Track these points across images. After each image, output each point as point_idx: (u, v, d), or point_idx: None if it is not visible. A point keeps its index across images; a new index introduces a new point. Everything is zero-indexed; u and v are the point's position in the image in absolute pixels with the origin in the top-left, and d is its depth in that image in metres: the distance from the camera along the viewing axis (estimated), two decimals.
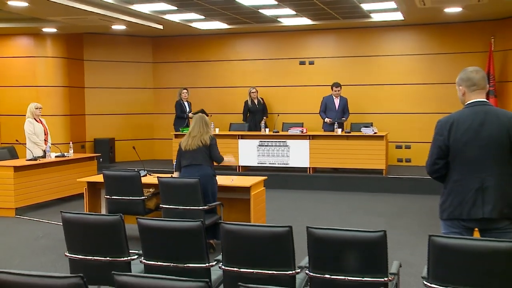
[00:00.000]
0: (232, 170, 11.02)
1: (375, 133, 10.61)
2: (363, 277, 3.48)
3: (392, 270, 3.73)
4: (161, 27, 11.72)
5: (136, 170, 6.80)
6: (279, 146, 11.17)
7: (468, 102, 3.84)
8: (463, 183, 3.75)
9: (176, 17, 11.24)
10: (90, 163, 10.31)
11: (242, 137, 11.45)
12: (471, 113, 3.78)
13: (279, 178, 10.77)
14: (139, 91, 13.89)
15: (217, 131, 11.26)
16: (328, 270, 3.56)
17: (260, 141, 11.28)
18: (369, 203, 9.54)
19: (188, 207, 5.97)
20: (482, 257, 3.22)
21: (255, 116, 12.06)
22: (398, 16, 11.01)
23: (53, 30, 11.94)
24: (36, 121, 9.71)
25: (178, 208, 6.02)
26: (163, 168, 10.05)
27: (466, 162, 3.76)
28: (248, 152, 11.32)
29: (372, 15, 11.13)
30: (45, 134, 9.82)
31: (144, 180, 6.78)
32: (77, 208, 8.14)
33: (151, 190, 6.73)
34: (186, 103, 12.20)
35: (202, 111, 9.24)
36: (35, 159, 9.19)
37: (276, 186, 10.06)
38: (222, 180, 6.62)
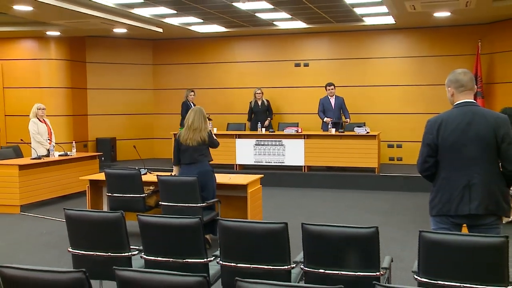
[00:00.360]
0: (229, 168, 11.02)
1: (367, 132, 10.61)
2: (356, 272, 3.48)
3: (384, 264, 3.73)
4: (160, 30, 11.71)
5: (136, 168, 6.78)
6: (275, 145, 11.17)
7: (457, 103, 3.85)
8: (451, 180, 3.76)
9: (176, 21, 11.23)
10: (92, 162, 10.30)
11: (239, 136, 11.44)
12: (459, 113, 3.79)
13: (275, 176, 10.77)
14: (139, 92, 13.87)
15: (215, 131, 11.23)
16: (322, 265, 3.56)
17: (257, 141, 11.28)
18: (362, 201, 9.55)
19: (186, 204, 5.96)
20: (469, 252, 3.23)
21: (257, 117, 11.94)
22: (389, 20, 11.03)
23: (57, 33, 11.91)
24: (40, 121, 9.69)
25: (177, 205, 6.01)
26: (163, 167, 10.04)
27: (454, 160, 3.77)
28: (245, 151, 11.31)
29: (364, 19, 11.14)
30: (49, 134, 9.80)
31: (145, 178, 6.77)
32: (80, 205, 8.14)
33: (151, 187, 6.72)
34: (192, 104, 12.07)
35: None
36: (39, 158, 9.18)
37: (272, 184, 10.07)
38: (220, 178, 6.62)
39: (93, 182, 7.22)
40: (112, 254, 4.01)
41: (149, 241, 4.00)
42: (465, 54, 11.64)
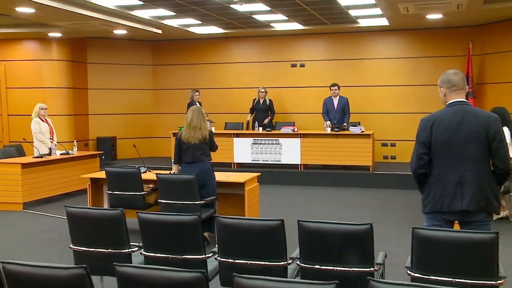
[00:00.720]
0: (227, 166, 11.01)
1: (362, 131, 10.61)
2: (351, 267, 3.48)
3: (378, 260, 3.73)
4: (160, 31, 11.69)
5: (136, 167, 6.78)
6: (271, 144, 11.17)
7: (449, 102, 3.86)
8: (444, 177, 3.77)
9: (174, 22, 11.21)
10: (93, 160, 10.28)
11: (237, 135, 11.44)
12: (452, 112, 3.80)
13: (272, 174, 10.77)
14: (139, 92, 13.85)
15: (213, 130, 11.22)
16: (318, 261, 3.56)
17: (254, 139, 11.28)
18: (357, 198, 9.56)
19: (185, 202, 5.96)
20: (461, 248, 3.24)
21: (257, 115, 11.81)
22: (383, 21, 11.03)
23: (58, 34, 11.89)
24: (42, 120, 9.67)
25: (176, 202, 6.00)
26: (162, 165, 10.02)
27: (446, 158, 3.77)
28: (243, 149, 11.31)
29: (359, 20, 11.14)
30: (50, 133, 9.78)
31: (144, 176, 6.76)
32: (81, 202, 8.14)
33: (150, 185, 6.71)
34: (197, 104, 11.91)
35: None
36: (41, 156, 9.16)
37: (269, 182, 10.07)
38: (218, 176, 6.61)
39: (94, 180, 7.21)
40: (112, 251, 4.00)
41: (148, 237, 3.99)
42: (457, 55, 11.66)
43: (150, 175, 6.92)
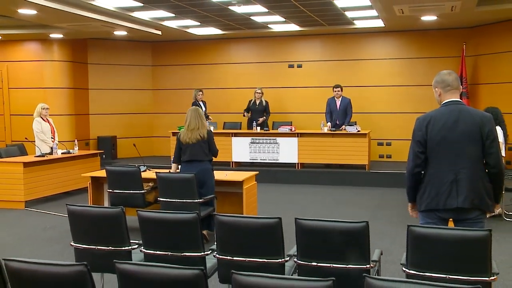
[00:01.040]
0: (226, 165, 11.01)
1: (358, 131, 10.62)
2: (347, 265, 3.48)
3: (374, 257, 3.73)
4: (159, 32, 11.68)
5: (136, 165, 6.78)
6: (269, 143, 11.17)
7: (444, 102, 3.86)
8: (439, 176, 3.77)
9: (174, 24, 11.20)
10: (93, 159, 10.26)
11: (235, 135, 11.43)
12: (447, 111, 3.80)
13: (270, 173, 10.76)
14: (139, 92, 13.84)
15: (212, 129, 11.21)
16: (315, 258, 3.56)
17: (252, 139, 11.27)
18: (353, 196, 9.56)
19: (184, 200, 5.95)
20: (455, 245, 3.24)
21: (253, 115, 11.73)
22: (379, 23, 11.04)
23: (60, 36, 11.88)
24: (44, 120, 9.66)
25: (175, 201, 6.00)
26: (162, 164, 10.02)
27: (441, 156, 3.77)
28: (241, 149, 11.30)
29: (355, 22, 11.15)
30: (52, 133, 9.77)
31: (144, 175, 6.76)
32: (82, 201, 8.12)
33: (150, 184, 6.71)
34: (201, 103, 11.74)
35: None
36: (43, 155, 9.15)
37: (267, 181, 10.05)
38: (217, 175, 6.60)
39: (94, 179, 7.20)
40: (112, 248, 4.00)
41: (148, 235, 3.99)
42: (451, 56, 11.67)
43: (150, 174, 6.91)
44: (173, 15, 10.16)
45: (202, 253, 3.86)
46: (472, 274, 3.19)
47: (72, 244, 4.14)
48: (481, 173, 3.76)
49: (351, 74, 12.43)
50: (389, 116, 12.20)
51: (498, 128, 6.85)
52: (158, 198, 6.17)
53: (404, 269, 3.41)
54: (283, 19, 10.71)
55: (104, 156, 11.69)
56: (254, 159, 11.29)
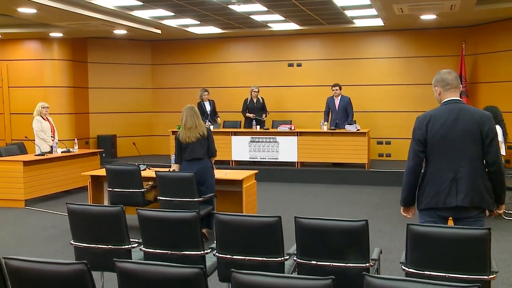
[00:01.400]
0: (225, 164, 11.00)
1: (358, 130, 10.61)
2: (346, 263, 3.48)
3: (374, 256, 3.74)
4: (159, 31, 11.67)
5: (136, 164, 6.78)
6: (269, 142, 11.16)
7: (444, 100, 3.86)
8: (439, 174, 3.76)
9: (173, 22, 11.20)
10: (93, 158, 10.26)
11: (235, 133, 11.42)
12: (447, 110, 3.80)
13: (269, 172, 10.76)
14: (139, 91, 13.84)
15: (211, 128, 11.21)
16: (314, 256, 3.56)
17: (252, 138, 11.27)
18: (353, 195, 9.56)
19: (184, 199, 5.95)
20: (454, 244, 3.24)
21: (254, 113, 11.63)
22: (378, 22, 11.03)
23: (59, 34, 11.87)
24: (44, 119, 9.66)
25: (175, 199, 6.00)
26: (162, 163, 10.01)
27: (441, 155, 3.77)
28: (241, 147, 11.30)
29: (354, 21, 11.14)
30: (52, 131, 9.77)
31: (144, 173, 6.76)
32: (82, 199, 8.12)
33: (150, 183, 6.71)
34: (207, 103, 11.62)
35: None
36: (42, 154, 9.15)
37: (266, 179, 10.06)
38: (216, 173, 6.59)
39: (94, 178, 7.20)
40: (112, 247, 4.00)
41: (148, 234, 3.99)
42: (450, 55, 11.67)
43: (149, 173, 6.91)
44: (173, 14, 10.15)
45: (202, 252, 3.86)
46: (472, 272, 3.19)
47: (72, 242, 4.14)
48: (481, 172, 3.75)
49: (350, 73, 12.43)
50: (388, 115, 12.20)
51: (498, 127, 6.84)
52: (158, 197, 6.17)
53: (403, 267, 3.41)
54: (283, 18, 10.71)
55: (104, 155, 11.68)
56: (254, 158, 11.29)
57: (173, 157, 6.61)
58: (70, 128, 12.52)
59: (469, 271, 3.20)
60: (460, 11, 9.45)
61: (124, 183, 6.49)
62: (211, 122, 11.42)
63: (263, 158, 11.23)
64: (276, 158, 11.16)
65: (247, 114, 11.67)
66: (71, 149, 9.73)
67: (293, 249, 3.77)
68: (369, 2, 9.06)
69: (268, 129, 11.34)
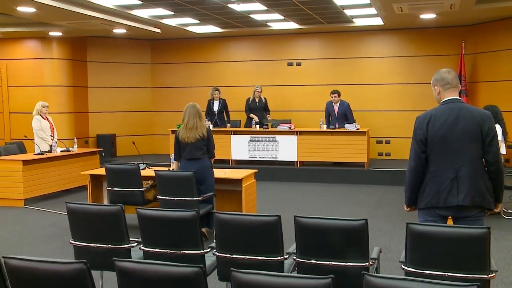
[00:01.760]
0: (225, 163, 11.01)
1: (357, 129, 10.61)
2: (346, 262, 3.48)
3: (373, 255, 3.74)
4: (158, 30, 11.67)
5: (135, 163, 6.77)
6: (268, 141, 11.16)
7: (444, 100, 3.86)
8: (440, 173, 3.76)
9: (173, 22, 11.19)
10: (93, 157, 10.26)
11: (235, 133, 11.42)
12: (447, 109, 3.80)
13: (269, 171, 10.76)
14: (138, 90, 13.83)
15: (211, 127, 11.20)
16: (314, 255, 3.56)
17: (251, 137, 11.27)
18: (352, 194, 9.57)
19: (183, 198, 5.95)
20: (454, 243, 3.24)
21: (254, 114, 11.60)
22: (378, 21, 11.03)
23: (59, 33, 11.86)
24: (43, 118, 9.66)
25: (174, 199, 6.00)
26: (161, 162, 10.01)
27: (442, 154, 3.77)
28: (240, 146, 11.30)
29: (354, 20, 11.14)
30: (51, 130, 9.77)
31: (143, 173, 6.75)
32: (81, 199, 8.13)
33: (149, 182, 6.70)
34: (216, 102, 11.60)
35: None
36: (42, 153, 9.15)
37: (266, 179, 10.07)
38: (216, 172, 6.59)
39: (94, 177, 7.20)
40: (112, 246, 3.99)
41: (147, 233, 3.99)
42: (450, 54, 11.67)
43: (149, 172, 6.91)
44: (172, 13, 10.15)
45: (202, 251, 3.86)
46: (471, 271, 3.19)
47: (72, 242, 4.14)
48: (482, 171, 3.76)
49: (350, 72, 12.43)
50: (388, 114, 12.20)
51: (497, 126, 6.85)
52: (158, 196, 6.17)
53: (403, 266, 3.41)
54: (282, 17, 10.70)
55: (103, 154, 11.68)
56: (253, 157, 11.29)
57: (172, 156, 6.61)
58: (69, 127, 12.51)
59: (468, 270, 3.20)
60: (460, 10, 9.45)
61: (124, 182, 6.49)
62: (218, 122, 11.42)
63: (263, 157, 11.23)
64: (276, 157, 11.16)
65: (251, 115, 11.63)
66: (70, 148, 9.73)
67: (292, 248, 3.78)
68: (369, 1, 9.06)
69: (268, 128, 11.33)
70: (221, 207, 6.44)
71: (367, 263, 3.48)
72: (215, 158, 6.48)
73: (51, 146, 9.45)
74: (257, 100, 11.72)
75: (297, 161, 11.05)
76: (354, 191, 9.79)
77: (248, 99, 11.81)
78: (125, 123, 13.56)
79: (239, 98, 12.60)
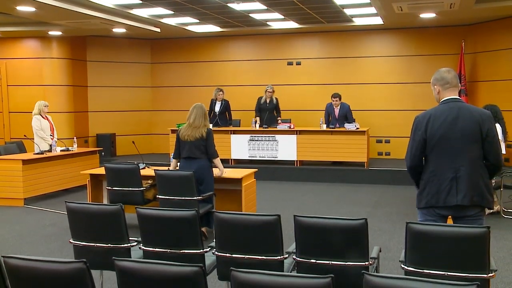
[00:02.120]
0: (225, 163, 10.98)
1: (357, 128, 10.62)
2: (346, 262, 3.48)
3: (373, 254, 3.74)
4: (158, 30, 11.66)
5: (135, 163, 6.76)
6: (268, 140, 11.16)
7: (443, 99, 3.86)
8: (439, 173, 3.77)
9: (173, 21, 11.19)
10: (92, 157, 10.26)
11: (234, 132, 11.42)
12: (446, 109, 3.80)
13: (269, 170, 10.76)
14: (138, 89, 13.83)
15: (210, 126, 11.16)
16: (314, 255, 3.56)
17: (251, 136, 11.26)
18: (352, 193, 9.57)
19: (183, 198, 5.95)
20: (454, 242, 3.24)
21: (263, 114, 11.50)
22: (378, 20, 11.03)
23: (58, 33, 11.85)
24: (43, 117, 9.66)
25: (174, 198, 5.99)
26: (161, 161, 10.02)
27: (441, 154, 3.77)
28: (240, 146, 11.30)
29: (354, 19, 11.14)
30: (51, 130, 9.77)
31: (143, 172, 6.75)
32: (81, 198, 8.13)
33: (149, 181, 6.70)
34: (218, 103, 11.52)
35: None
36: (42, 153, 9.15)
37: (265, 178, 10.07)
38: (216, 172, 6.60)
39: (93, 176, 7.20)
40: (111, 245, 3.99)
41: (147, 232, 3.99)
42: (450, 54, 11.67)
43: (148, 171, 6.91)
44: (172, 12, 10.14)
45: (201, 250, 3.86)
46: (471, 271, 3.20)
47: (71, 241, 4.14)
48: (481, 170, 3.76)
49: (350, 72, 12.43)
50: (388, 114, 12.20)
51: (497, 125, 6.86)
52: (157, 196, 6.16)
53: (402, 266, 3.41)
54: (282, 17, 10.70)
55: (103, 153, 11.68)
56: (253, 157, 11.29)
57: (172, 155, 6.61)
58: (69, 126, 12.51)
59: (468, 269, 3.20)
60: (460, 10, 9.45)
61: (124, 181, 6.49)
62: (219, 122, 11.40)
63: (263, 157, 11.23)
64: (276, 157, 11.16)
65: (257, 118, 11.52)
66: (70, 148, 9.73)
67: (292, 247, 3.78)
68: (369, 1, 9.06)
69: (268, 127, 11.32)
70: (221, 207, 6.43)
71: (366, 263, 3.48)
72: (218, 157, 6.39)
73: (50, 145, 9.44)
74: (267, 101, 11.52)
75: (296, 161, 11.05)
76: (354, 191, 9.79)
77: (259, 99, 11.65)
78: (125, 123, 13.56)
79: (238, 97, 12.60)
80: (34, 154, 9.14)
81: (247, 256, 3.67)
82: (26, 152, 9.87)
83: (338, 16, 10.72)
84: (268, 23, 11.57)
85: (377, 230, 6.69)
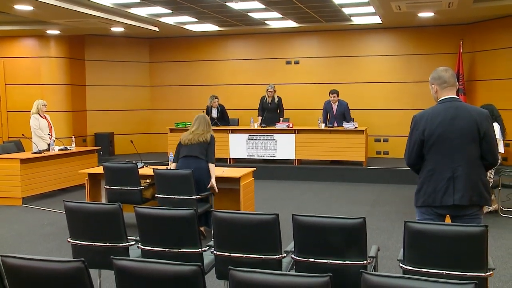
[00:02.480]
0: (223, 162, 11.00)
1: (355, 127, 10.62)
2: (344, 260, 3.48)
3: (371, 253, 3.74)
4: (157, 29, 11.65)
5: (133, 162, 6.76)
6: (267, 139, 11.16)
7: (441, 99, 3.86)
8: (436, 172, 3.77)
9: (171, 20, 11.18)
10: (91, 156, 10.26)
11: (233, 131, 11.42)
12: (444, 108, 3.80)
13: (267, 169, 10.77)
14: (136, 88, 13.82)
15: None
16: (312, 254, 3.57)
17: (249, 135, 11.26)
18: (350, 192, 9.57)
19: (181, 197, 5.95)
20: (452, 241, 3.25)
21: (266, 114, 11.48)
22: (376, 19, 11.03)
23: (57, 32, 11.84)
24: (41, 116, 9.65)
25: (172, 197, 5.99)
26: (159, 160, 10.01)
27: (439, 153, 3.77)
28: (238, 145, 11.29)
29: (352, 18, 11.14)
30: (49, 129, 9.76)
31: (141, 171, 6.75)
32: (79, 197, 8.12)
33: (147, 180, 6.70)
34: (214, 110, 11.53)
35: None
36: (40, 152, 9.14)
37: (264, 177, 10.08)
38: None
39: (91, 175, 7.19)
40: (110, 244, 3.99)
41: (145, 232, 3.99)
42: (448, 53, 11.68)
43: (147, 170, 6.91)
44: (170, 11, 10.14)
45: (200, 250, 3.86)
46: (469, 269, 3.20)
47: (70, 240, 4.14)
48: (479, 169, 3.77)
49: (348, 71, 12.43)
50: (386, 113, 12.21)
51: (495, 124, 6.88)
52: (156, 195, 6.16)
53: (401, 265, 3.42)
54: (281, 16, 10.70)
55: (101, 152, 11.67)
56: (252, 156, 11.29)
57: (170, 154, 6.60)
58: (67, 125, 12.50)
59: (466, 268, 3.21)
60: (458, 9, 9.45)
61: (122, 181, 6.49)
62: (218, 124, 11.39)
63: (261, 156, 11.23)
64: (274, 156, 11.16)
65: (258, 117, 11.53)
66: (68, 147, 9.73)
67: (290, 246, 3.78)
68: (367, 0, 9.05)
69: (266, 126, 11.32)
70: (219, 206, 6.43)
71: (365, 261, 3.49)
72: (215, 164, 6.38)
73: (49, 144, 9.43)
74: (269, 100, 11.50)
75: (295, 160, 11.05)
76: (352, 190, 9.80)
77: (262, 98, 11.63)
78: (123, 122, 13.54)
79: (237, 96, 12.60)
80: (32, 153, 9.13)
81: (246, 255, 3.67)
82: (24, 151, 9.86)
83: (336, 15, 10.72)
84: (266, 22, 11.56)
85: (375, 229, 6.69)
